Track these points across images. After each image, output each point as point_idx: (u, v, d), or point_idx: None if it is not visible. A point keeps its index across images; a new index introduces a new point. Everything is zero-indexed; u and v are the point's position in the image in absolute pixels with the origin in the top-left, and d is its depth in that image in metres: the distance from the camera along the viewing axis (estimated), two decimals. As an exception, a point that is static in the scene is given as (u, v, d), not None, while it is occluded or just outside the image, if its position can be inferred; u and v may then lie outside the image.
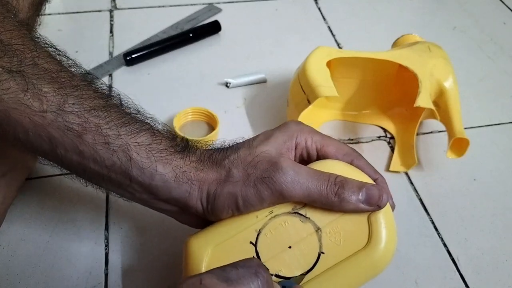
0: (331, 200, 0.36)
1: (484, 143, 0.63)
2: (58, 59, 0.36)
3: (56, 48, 0.37)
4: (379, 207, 0.37)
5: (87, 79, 0.36)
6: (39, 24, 0.53)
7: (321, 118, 0.64)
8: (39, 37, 0.37)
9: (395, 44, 0.66)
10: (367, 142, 0.62)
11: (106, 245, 0.49)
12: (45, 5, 0.54)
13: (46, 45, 0.36)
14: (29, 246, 0.49)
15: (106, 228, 0.51)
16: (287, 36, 0.78)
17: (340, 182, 0.36)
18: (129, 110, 0.37)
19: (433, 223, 0.54)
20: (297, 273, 0.36)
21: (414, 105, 0.53)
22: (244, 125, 0.63)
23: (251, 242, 0.37)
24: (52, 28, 0.75)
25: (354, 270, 0.36)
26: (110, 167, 0.35)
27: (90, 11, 0.80)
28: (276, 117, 0.64)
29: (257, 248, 0.37)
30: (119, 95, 0.38)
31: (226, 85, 0.68)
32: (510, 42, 0.80)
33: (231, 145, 0.39)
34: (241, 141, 0.40)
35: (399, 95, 0.63)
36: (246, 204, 0.36)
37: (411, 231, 0.53)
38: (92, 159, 0.35)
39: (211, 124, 0.62)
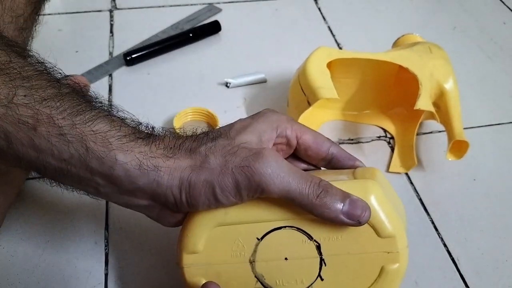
0: (311, 201, 0.33)
1: (484, 143, 0.63)
2: (9, 49, 0.34)
3: (6, 38, 0.35)
4: (360, 223, 0.34)
5: (40, 68, 0.34)
6: (39, 24, 0.53)
7: (321, 118, 0.64)
8: None
9: (395, 44, 0.65)
10: (367, 142, 0.62)
11: (106, 245, 0.49)
12: (44, 4, 0.54)
13: None
14: (29, 246, 0.49)
15: (106, 228, 0.51)
16: (287, 36, 0.78)
17: (324, 186, 0.34)
18: (85, 98, 0.34)
19: (433, 223, 0.54)
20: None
21: (414, 108, 0.53)
22: (244, 125, 0.63)
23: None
24: (52, 28, 0.75)
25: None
26: (69, 160, 0.33)
27: (90, 11, 0.80)
28: (276, 117, 0.64)
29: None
30: (74, 83, 0.36)
31: (226, 85, 0.68)
32: (510, 42, 0.80)
33: (205, 133, 0.37)
34: (215, 131, 0.37)
35: (399, 95, 0.63)
36: (225, 194, 0.34)
37: (411, 231, 0.53)
38: (49, 153, 0.33)
39: (211, 124, 0.62)
